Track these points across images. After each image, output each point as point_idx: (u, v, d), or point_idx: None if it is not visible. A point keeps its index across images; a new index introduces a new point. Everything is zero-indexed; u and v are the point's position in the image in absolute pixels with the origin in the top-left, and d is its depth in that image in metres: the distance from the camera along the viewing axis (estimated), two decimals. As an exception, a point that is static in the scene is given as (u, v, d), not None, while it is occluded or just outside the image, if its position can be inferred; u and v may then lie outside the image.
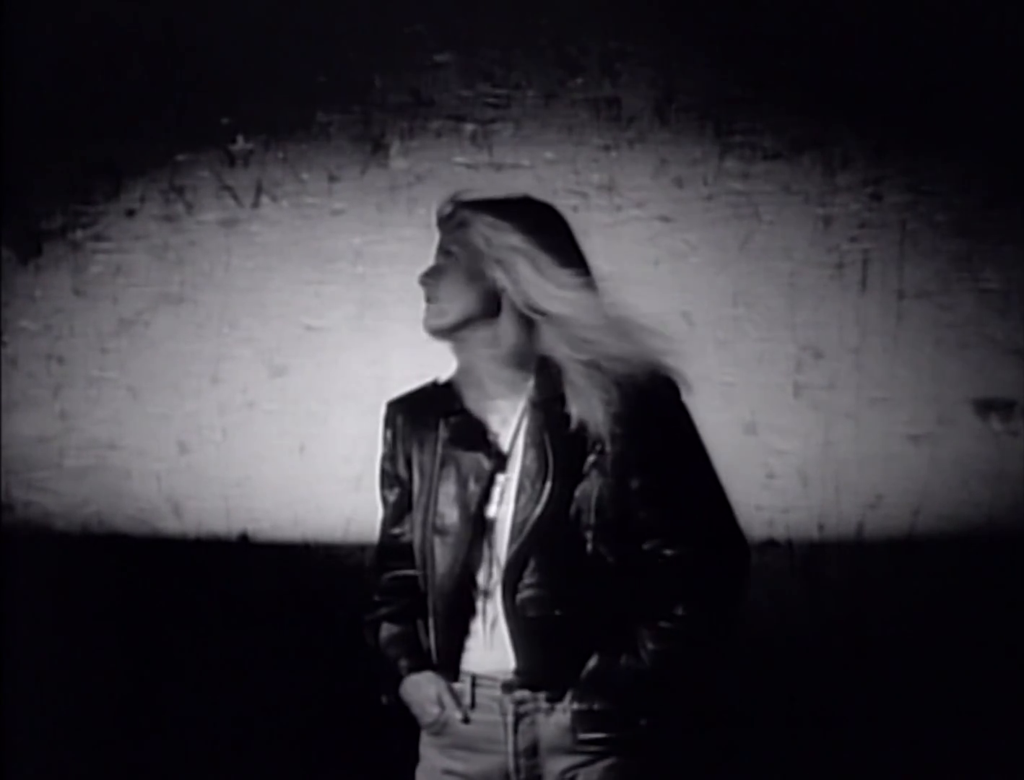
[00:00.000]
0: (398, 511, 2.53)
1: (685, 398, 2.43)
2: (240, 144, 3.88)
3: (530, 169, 3.78)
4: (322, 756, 3.77)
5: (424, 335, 2.45)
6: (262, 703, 3.76)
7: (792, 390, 3.78)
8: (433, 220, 2.52)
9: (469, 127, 3.82)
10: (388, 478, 2.54)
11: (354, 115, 3.86)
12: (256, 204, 3.88)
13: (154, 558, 3.87)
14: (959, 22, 3.73)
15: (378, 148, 3.85)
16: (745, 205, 3.78)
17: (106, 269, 3.92)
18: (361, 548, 3.76)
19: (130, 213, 3.91)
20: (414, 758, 2.55)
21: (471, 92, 3.83)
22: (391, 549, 2.55)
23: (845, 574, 3.75)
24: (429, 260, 2.49)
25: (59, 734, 3.78)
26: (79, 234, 3.92)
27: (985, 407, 3.75)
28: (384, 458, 2.54)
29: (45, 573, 3.83)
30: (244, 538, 3.88)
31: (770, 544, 3.72)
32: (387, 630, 2.53)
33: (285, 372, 3.88)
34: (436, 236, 2.50)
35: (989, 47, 3.72)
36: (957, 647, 3.67)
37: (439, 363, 2.54)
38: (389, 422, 2.53)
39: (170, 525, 3.89)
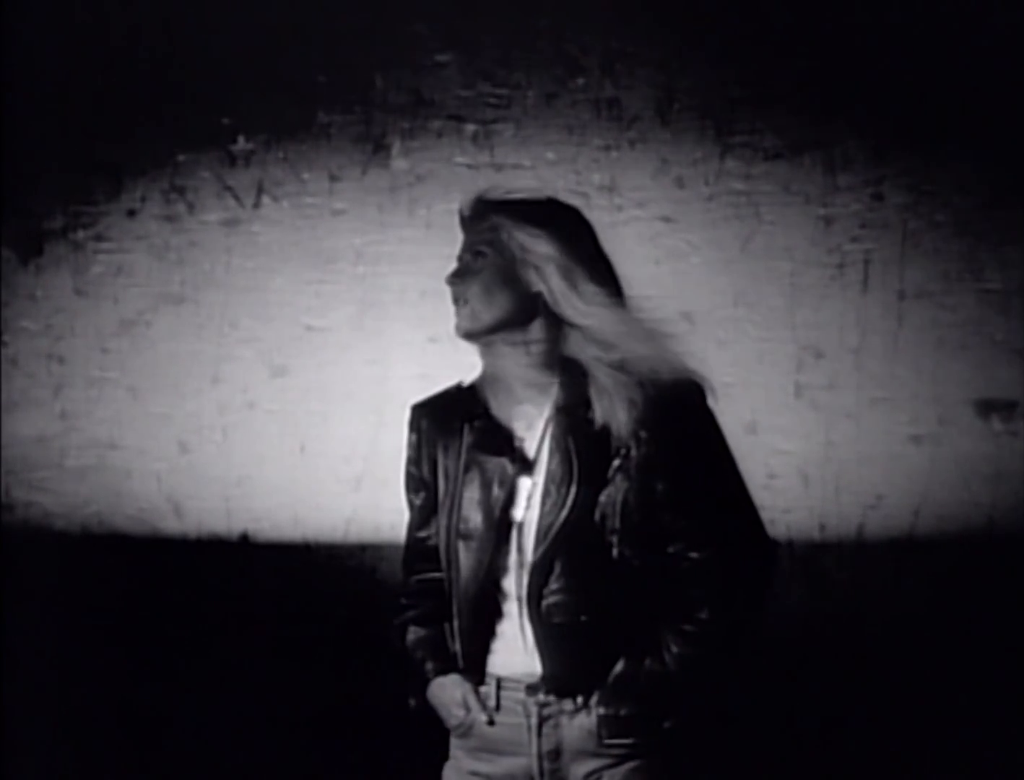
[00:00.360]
0: (424, 514, 2.53)
1: (711, 402, 2.43)
2: (241, 144, 3.88)
3: (531, 169, 3.78)
4: (320, 755, 3.77)
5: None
6: (262, 703, 3.75)
7: (793, 390, 3.78)
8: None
9: (470, 127, 3.82)
10: (413, 481, 2.54)
11: (355, 115, 3.86)
12: (257, 204, 3.88)
13: (154, 558, 3.87)
14: (959, 22, 3.73)
15: (379, 148, 3.85)
16: (746, 205, 3.78)
17: (107, 269, 3.92)
18: (361, 548, 3.76)
19: (131, 213, 3.91)
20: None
21: (472, 92, 3.83)
22: (417, 552, 2.55)
23: (845, 574, 3.75)
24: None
25: (59, 734, 3.78)
26: (80, 234, 3.92)
27: (986, 407, 3.75)
28: (409, 461, 2.54)
29: (45, 573, 3.83)
30: (244, 538, 3.87)
31: (771, 544, 3.72)
32: (414, 633, 2.54)
33: (285, 372, 3.88)
34: (460, 234, 2.48)
35: (989, 47, 3.72)
36: (957, 647, 3.67)
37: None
38: (413, 426, 2.53)
39: (170, 525, 3.89)
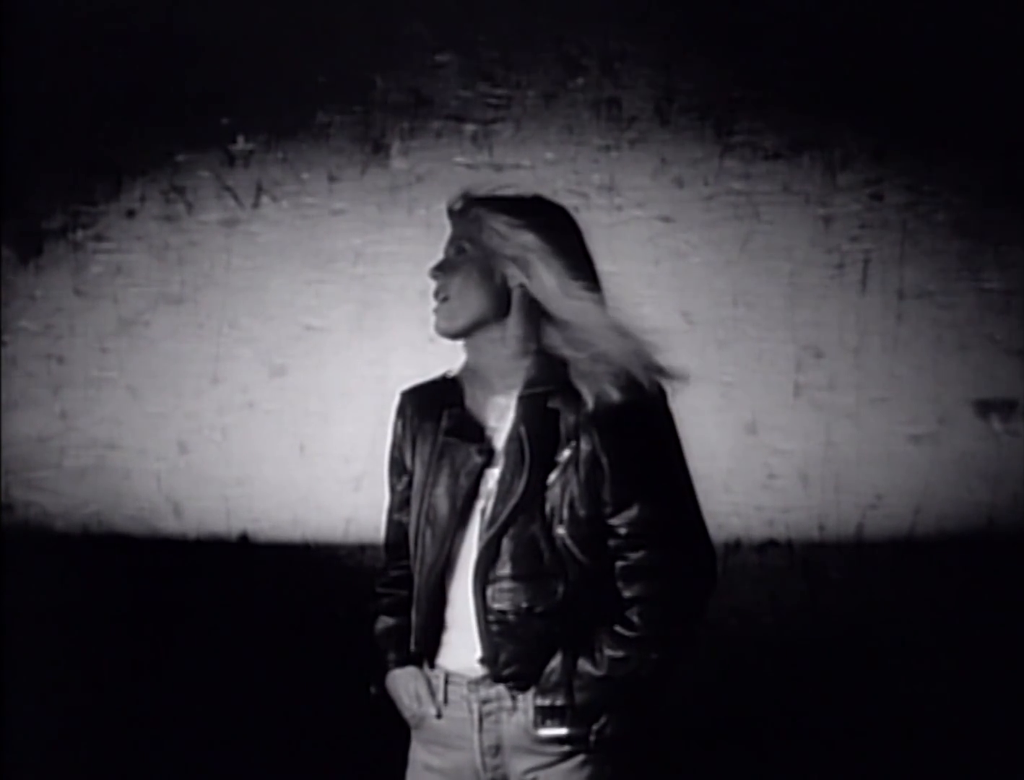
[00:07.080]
0: (403, 499, 2.55)
1: (672, 404, 2.43)
2: (240, 144, 3.89)
3: (530, 169, 3.78)
4: (322, 754, 3.77)
5: (424, 335, 2.45)
6: (262, 703, 3.76)
7: (792, 390, 3.78)
8: (433, 219, 2.52)
9: (469, 127, 3.83)
10: (396, 466, 2.57)
11: (354, 115, 3.86)
12: (256, 204, 3.88)
13: (154, 558, 3.87)
14: (959, 23, 3.73)
15: (378, 148, 3.85)
16: (745, 205, 3.78)
17: (106, 269, 3.92)
18: (361, 548, 3.76)
19: (130, 213, 3.91)
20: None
21: (471, 92, 3.83)
22: (395, 539, 2.57)
23: (845, 574, 3.76)
24: (430, 260, 2.49)
25: (59, 734, 3.78)
26: (79, 234, 3.92)
27: (985, 407, 3.75)
28: (393, 446, 2.57)
29: (45, 573, 3.83)
30: (244, 538, 3.88)
31: (770, 544, 3.72)
32: (382, 622, 2.59)
33: (285, 372, 3.88)
34: (448, 229, 2.49)
35: (989, 48, 3.72)
36: (957, 647, 3.68)
37: (440, 363, 2.55)
38: (400, 411, 2.56)
39: (170, 525, 3.89)
